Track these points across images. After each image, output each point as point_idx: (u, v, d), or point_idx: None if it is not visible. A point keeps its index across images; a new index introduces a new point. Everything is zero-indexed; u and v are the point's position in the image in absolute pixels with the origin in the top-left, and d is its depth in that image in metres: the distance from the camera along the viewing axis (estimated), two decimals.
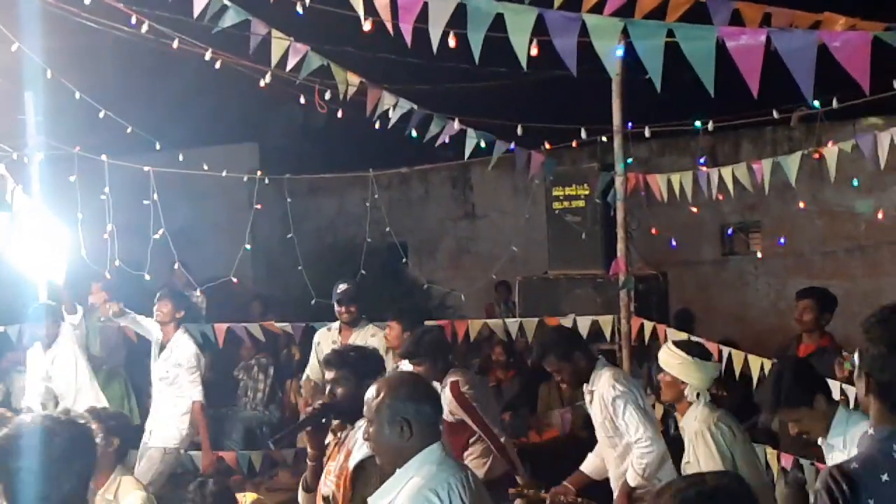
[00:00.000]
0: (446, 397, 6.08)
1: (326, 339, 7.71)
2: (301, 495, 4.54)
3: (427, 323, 7.78)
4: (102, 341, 9.22)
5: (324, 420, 4.25)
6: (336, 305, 7.58)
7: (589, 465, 5.89)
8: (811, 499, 3.93)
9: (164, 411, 7.83)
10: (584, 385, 5.64)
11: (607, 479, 5.79)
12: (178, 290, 8.81)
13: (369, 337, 7.42)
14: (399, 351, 6.69)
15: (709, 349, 5.31)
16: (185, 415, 7.74)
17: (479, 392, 6.35)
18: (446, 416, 6.07)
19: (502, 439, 6.24)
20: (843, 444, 4.01)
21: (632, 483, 5.42)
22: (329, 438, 4.36)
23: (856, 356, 3.19)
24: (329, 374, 4.29)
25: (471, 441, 6.32)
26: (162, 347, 7.88)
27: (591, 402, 5.66)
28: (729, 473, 2.90)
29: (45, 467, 2.65)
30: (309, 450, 4.35)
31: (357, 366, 4.28)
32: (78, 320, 8.09)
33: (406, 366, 6.46)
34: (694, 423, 4.88)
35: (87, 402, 7.48)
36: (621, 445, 5.54)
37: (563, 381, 5.79)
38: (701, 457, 4.80)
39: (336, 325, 7.73)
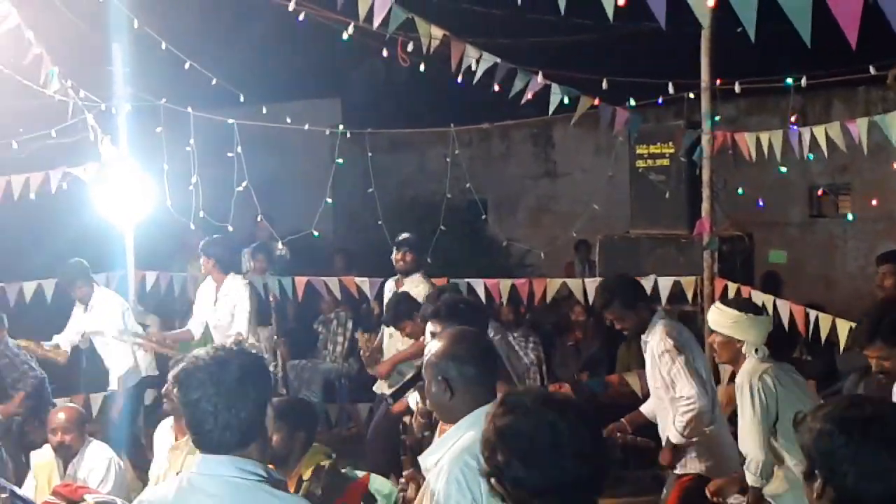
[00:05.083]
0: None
1: (391, 288, 7.73)
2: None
3: (507, 281, 7.63)
4: None
5: None
6: (394, 251, 7.57)
7: (648, 407, 5.85)
8: None
9: None
10: (642, 336, 5.63)
11: None
12: (262, 242, 8.97)
13: (413, 288, 7.29)
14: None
15: (758, 304, 5.23)
16: None
17: None
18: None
19: None
20: None
21: (673, 440, 5.42)
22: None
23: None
24: (434, 327, 4.15)
25: None
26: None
27: (645, 351, 5.66)
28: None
29: (222, 397, 2.72)
30: (419, 404, 4.27)
31: (467, 319, 4.07)
32: None
33: None
34: (739, 376, 4.81)
35: None
36: (667, 398, 5.50)
37: (623, 329, 5.78)
38: (741, 409, 4.75)
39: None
